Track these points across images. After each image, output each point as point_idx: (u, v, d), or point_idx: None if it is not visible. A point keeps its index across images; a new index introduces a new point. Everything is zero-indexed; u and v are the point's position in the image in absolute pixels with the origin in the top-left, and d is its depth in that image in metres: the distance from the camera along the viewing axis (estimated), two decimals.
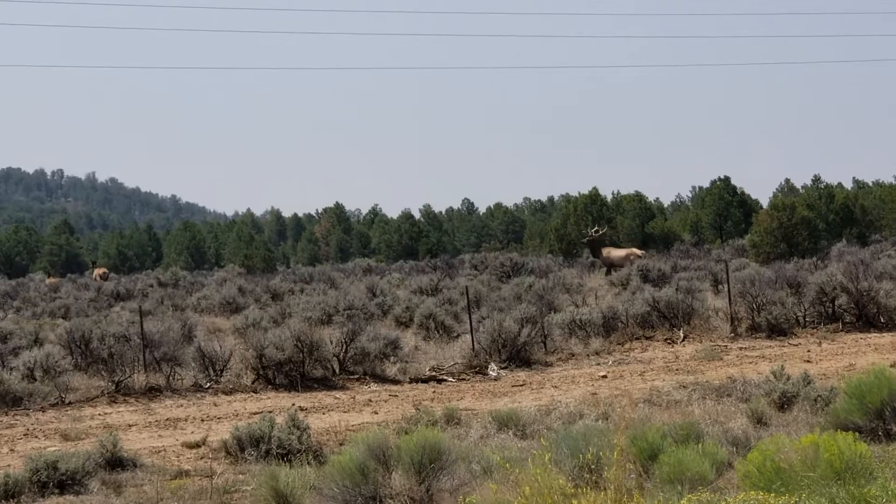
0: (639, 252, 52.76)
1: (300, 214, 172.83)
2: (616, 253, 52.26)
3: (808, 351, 26.48)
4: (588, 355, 27.31)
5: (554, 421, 16.75)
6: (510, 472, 9.80)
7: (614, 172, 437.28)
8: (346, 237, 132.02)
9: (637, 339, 29.24)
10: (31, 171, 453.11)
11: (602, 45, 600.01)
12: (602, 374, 24.32)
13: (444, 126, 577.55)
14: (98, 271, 74.73)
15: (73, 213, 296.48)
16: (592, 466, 10.46)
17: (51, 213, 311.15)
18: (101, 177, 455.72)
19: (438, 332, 30.92)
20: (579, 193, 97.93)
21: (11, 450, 17.91)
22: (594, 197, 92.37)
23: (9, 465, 15.87)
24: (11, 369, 23.87)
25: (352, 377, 24.76)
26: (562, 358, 27.01)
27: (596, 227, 59.88)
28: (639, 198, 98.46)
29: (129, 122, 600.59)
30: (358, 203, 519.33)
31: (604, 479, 10.11)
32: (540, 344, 27.33)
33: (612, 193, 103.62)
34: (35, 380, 23.36)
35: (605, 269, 51.55)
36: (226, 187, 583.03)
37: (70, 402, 22.36)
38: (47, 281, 74.65)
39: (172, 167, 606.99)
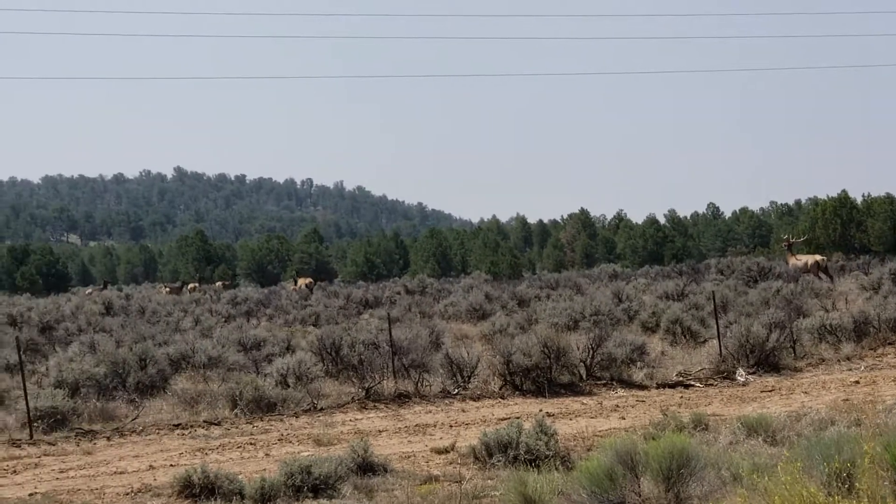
0: (819, 259, 51.91)
1: (545, 221, 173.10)
2: (799, 261, 51.50)
3: None
4: (839, 361, 26.78)
5: (804, 427, 16.48)
6: (760, 479, 9.72)
7: (865, 173, 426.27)
8: (591, 243, 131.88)
9: (890, 344, 28.53)
10: (281, 180, 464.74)
11: (854, 43, 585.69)
12: (854, 379, 23.81)
13: (688, 129, 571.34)
14: (302, 281, 76.19)
15: (322, 222, 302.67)
16: (844, 474, 10.29)
17: (300, 221, 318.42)
18: (349, 185, 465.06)
19: (685, 337, 30.71)
20: (828, 196, 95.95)
21: (267, 454, 18.41)
22: (843, 200, 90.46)
23: (264, 469, 16.33)
24: (266, 376, 24.58)
25: (598, 383, 24.78)
26: (811, 363, 26.55)
27: (787, 235, 59.37)
28: (890, 200, 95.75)
29: (375, 130, 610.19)
30: (603, 208, 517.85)
31: (856, 487, 9.95)
32: (789, 349, 26.95)
33: (863, 196, 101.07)
34: (288, 386, 23.99)
35: (798, 275, 50.57)
36: (471, 194, 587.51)
37: (322, 408, 22.88)
38: (293, 287, 76.57)
39: (418, 175, 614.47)
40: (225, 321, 46.27)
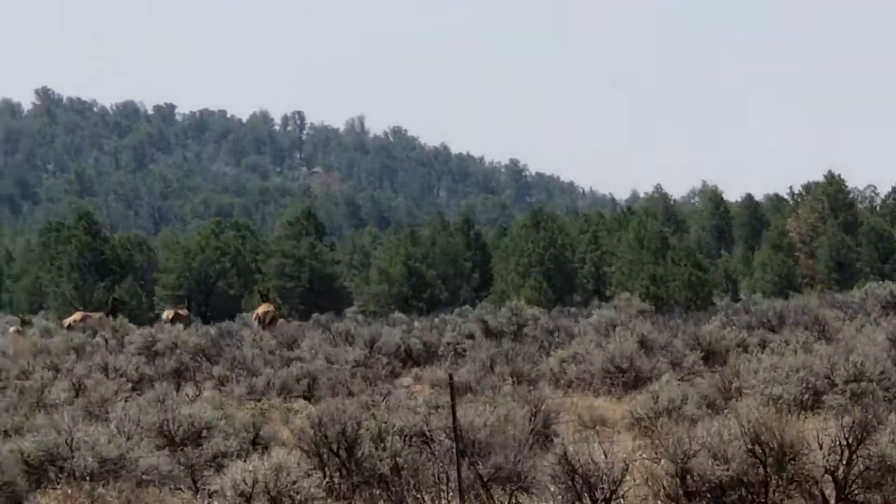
0: None
1: (758, 197, 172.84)
2: None
3: None
4: None
5: None
6: None
7: None
8: (847, 239, 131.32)
9: None
10: (244, 117, 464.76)
11: None
12: None
13: None
14: (167, 313, 78.05)
15: (324, 195, 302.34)
16: None
17: (281, 195, 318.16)
18: (376, 127, 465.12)
19: None
20: None
21: None
22: None
23: None
24: (212, 495, 24.63)
25: None
26: None
27: None
28: None
29: (424, 32, 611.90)
30: (871, 175, 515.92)
31: None
32: None
33: None
34: None
35: None
36: (611, 147, 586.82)
37: None
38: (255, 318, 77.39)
39: (508, 112, 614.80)
40: (133, 388, 46.42)
